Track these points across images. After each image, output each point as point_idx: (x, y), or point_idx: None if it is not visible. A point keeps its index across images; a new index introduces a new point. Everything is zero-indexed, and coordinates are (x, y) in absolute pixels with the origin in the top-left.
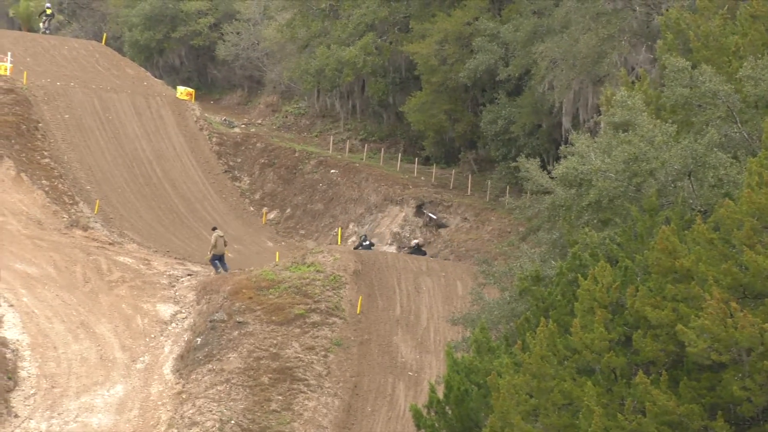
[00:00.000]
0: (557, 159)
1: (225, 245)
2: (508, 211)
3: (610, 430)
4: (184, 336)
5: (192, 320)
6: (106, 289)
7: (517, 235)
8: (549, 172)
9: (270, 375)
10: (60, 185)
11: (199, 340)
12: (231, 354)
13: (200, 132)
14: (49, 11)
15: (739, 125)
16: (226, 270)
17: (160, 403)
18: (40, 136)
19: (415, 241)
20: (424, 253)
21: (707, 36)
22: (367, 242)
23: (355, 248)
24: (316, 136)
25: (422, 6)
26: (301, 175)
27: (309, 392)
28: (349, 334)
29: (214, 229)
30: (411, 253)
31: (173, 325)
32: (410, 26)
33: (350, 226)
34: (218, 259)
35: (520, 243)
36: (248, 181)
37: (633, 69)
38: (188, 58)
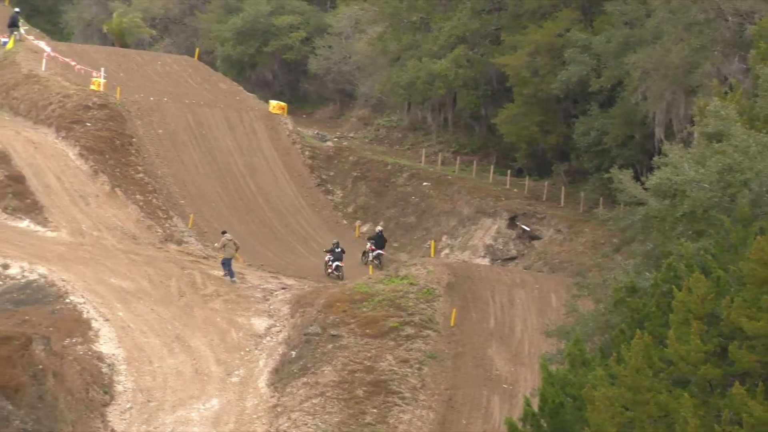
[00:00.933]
0: (650, 170)
1: (236, 250)
2: (601, 223)
3: None
4: (279, 349)
5: (286, 334)
6: (201, 303)
7: (610, 247)
8: (642, 183)
9: (364, 388)
10: (154, 200)
11: (293, 353)
12: (325, 367)
13: (293, 146)
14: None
15: None
16: (232, 276)
17: (255, 416)
18: (134, 152)
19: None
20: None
21: None
22: (339, 249)
23: (327, 251)
24: (408, 149)
25: (513, 18)
26: (394, 188)
27: (403, 405)
28: (443, 347)
29: (223, 232)
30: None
31: (268, 338)
32: (501, 38)
33: (443, 239)
34: (228, 262)
35: (613, 254)
36: (341, 195)
37: (726, 79)
38: (280, 73)
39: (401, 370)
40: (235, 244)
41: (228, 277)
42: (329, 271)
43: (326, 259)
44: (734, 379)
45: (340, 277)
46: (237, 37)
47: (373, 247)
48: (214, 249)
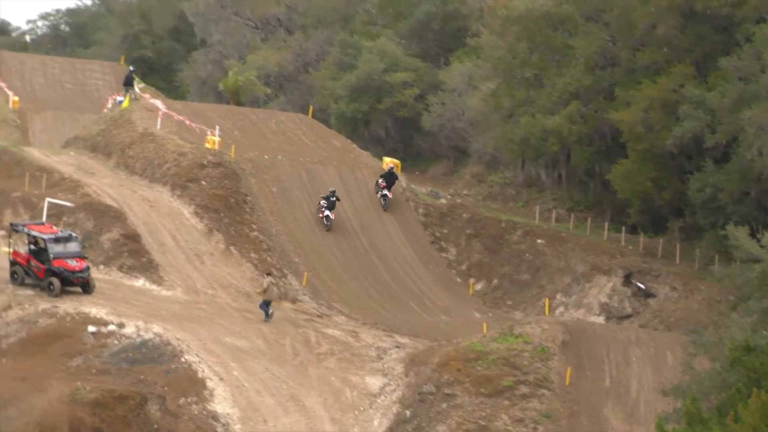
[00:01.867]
0: (767, 227)
1: (275, 293)
2: (717, 280)
3: None
4: (393, 408)
5: (400, 393)
6: (315, 361)
7: (726, 304)
8: (759, 240)
9: None
10: (268, 258)
11: (408, 412)
12: (440, 426)
13: (406, 203)
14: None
15: None
16: (268, 316)
17: None
18: (248, 209)
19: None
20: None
21: None
22: (334, 198)
23: (322, 197)
24: (522, 205)
25: (627, 73)
26: (508, 245)
27: None
28: (558, 406)
29: (267, 274)
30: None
31: (382, 397)
32: (615, 94)
33: (558, 297)
34: (267, 305)
35: (730, 312)
36: (455, 252)
37: None
38: (394, 129)
39: (516, 429)
40: (275, 287)
41: (264, 317)
42: (320, 215)
43: (320, 204)
44: None
45: (327, 227)
46: (351, 95)
47: (384, 184)
48: (256, 293)
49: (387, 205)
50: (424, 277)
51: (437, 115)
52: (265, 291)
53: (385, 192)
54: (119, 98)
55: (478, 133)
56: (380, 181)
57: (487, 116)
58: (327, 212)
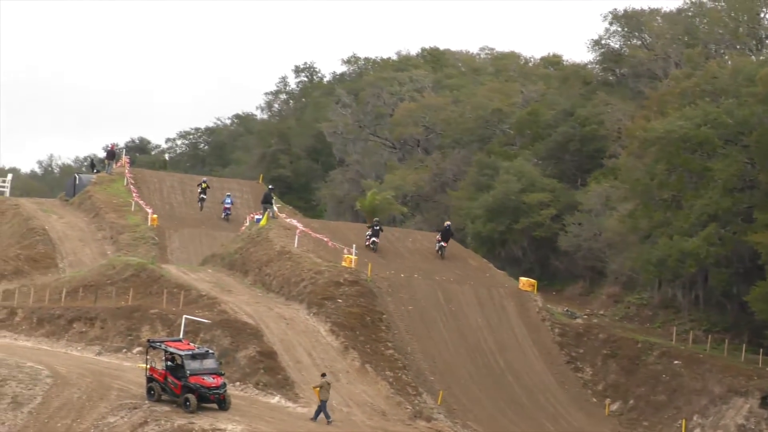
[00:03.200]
0: None
1: (329, 393)
2: None
3: None
4: None
5: None
6: None
7: None
8: None
9: None
10: (404, 376)
11: None
12: None
13: (542, 323)
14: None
15: None
16: (328, 417)
17: None
18: (384, 328)
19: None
20: None
21: None
22: (377, 227)
23: (368, 225)
24: (659, 326)
25: (766, 196)
26: (644, 366)
27: None
28: None
29: (323, 375)
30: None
31: None
32: (754, 216)
33: (694, 418)
34: (323, 405)
35: None
36: (590, 372)
37: None
38: (530, 249)
39: None
40: (329, 387)
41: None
42: (366, 243)
43: (366, 234)
44: None
45: (374, 249)
46: (487, 214)
47: (440, 239)
48: (312, 387)
49: (443, 254)
50: (559, 396)
51: (574, 235)
52: (321, 388)
53: (442, 243)
54: (257, 217)
55: (614, 254)
56: (438, 236)
57: (624, 237)
58: (373, 238)
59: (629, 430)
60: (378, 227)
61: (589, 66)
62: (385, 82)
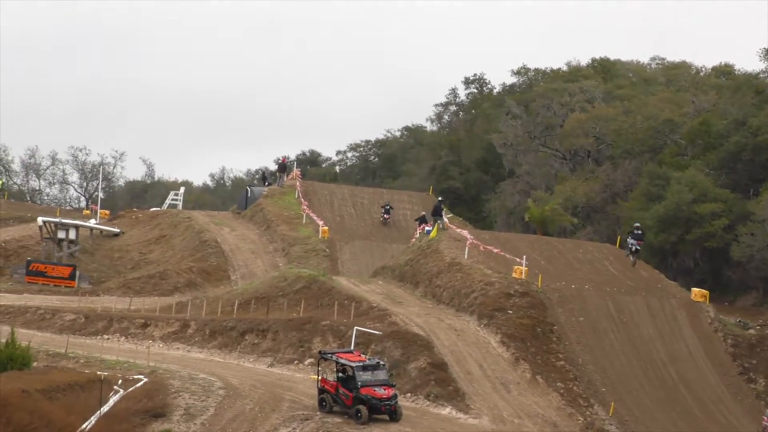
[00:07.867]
0: None
1: None
2: None
3: None
4: None
5: None
6: None
7: None
8: None
9: None
10: (575, 387)
11: None
12: None
13: (715, 334)
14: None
15: None
16: None
17: None
18: (555, 339)
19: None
20: None
21: None
22: (388, 206)
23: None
24: None
25: None
26: None
27: None
28: None
29: None
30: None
31: None
32: None
33: None
34: None
35: None
36: (764, 384)
37: None
38: (702, 260)
39: None
40: None
41: None
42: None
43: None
44: None
45: (384, 223)
46: (659, 225)
47: (632, 241)
48: None
49: (636, 259)
50: (732, 408)
51: (747, 245)
52: None
53: (637, 246)
54: (428, 228)
55: None
56: (631, 238)
57: None
58: (385, 215)
59: None
60: (388, 206)
61: (762, 75)
62: (556, 93)
